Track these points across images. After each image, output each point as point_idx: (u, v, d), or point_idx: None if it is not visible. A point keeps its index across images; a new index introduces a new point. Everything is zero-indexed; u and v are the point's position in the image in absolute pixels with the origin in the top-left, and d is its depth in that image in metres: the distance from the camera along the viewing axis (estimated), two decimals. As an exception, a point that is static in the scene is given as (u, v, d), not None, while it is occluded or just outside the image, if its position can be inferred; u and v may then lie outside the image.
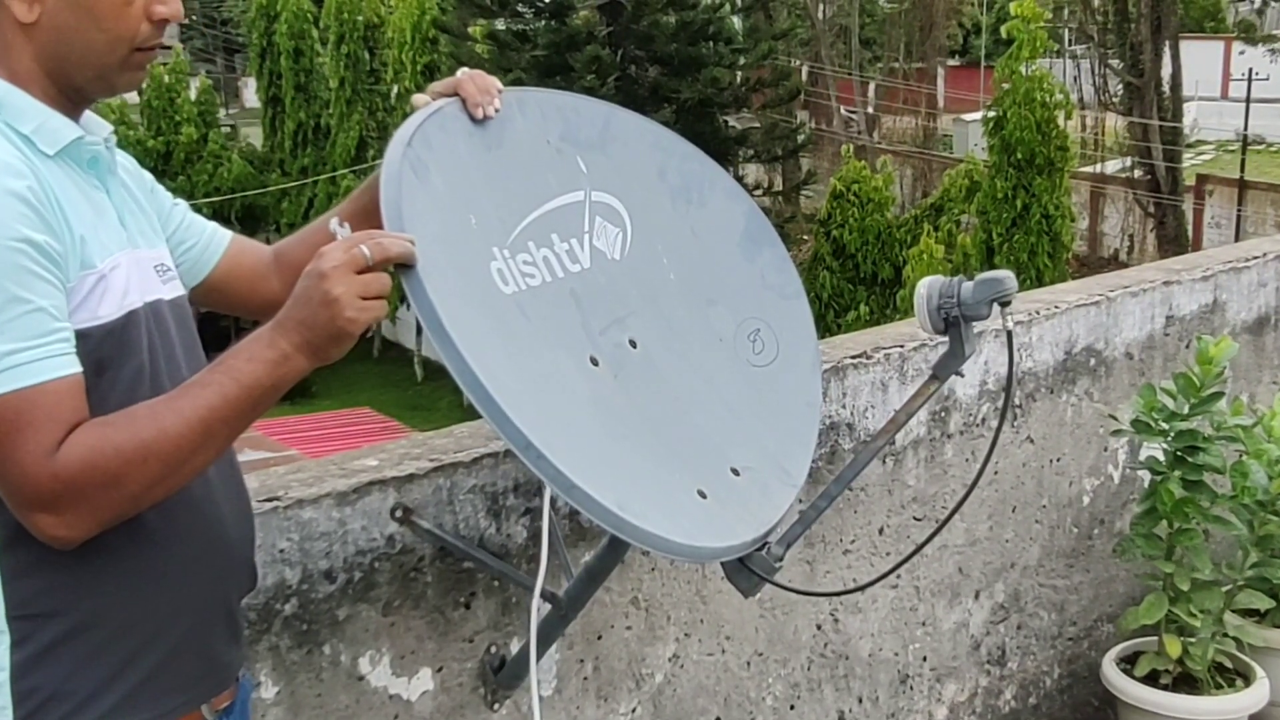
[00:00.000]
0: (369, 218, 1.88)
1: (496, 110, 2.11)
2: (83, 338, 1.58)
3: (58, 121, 1.65)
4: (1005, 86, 19.60)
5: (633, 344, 2.16)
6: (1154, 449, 3.62)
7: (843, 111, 36.91)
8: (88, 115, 1.77)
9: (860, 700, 3.30)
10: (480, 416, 1.79)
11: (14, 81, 1.64)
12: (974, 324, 2.27)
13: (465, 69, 2.17)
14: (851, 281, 22.53)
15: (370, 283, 1.64)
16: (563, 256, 2.12)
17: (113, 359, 1.63)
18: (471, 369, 1.76)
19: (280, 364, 1.61)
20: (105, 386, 1.61)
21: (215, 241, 2.03)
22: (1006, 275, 2.22)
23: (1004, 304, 2.21)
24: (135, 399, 1.63)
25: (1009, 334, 2.25)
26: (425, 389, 25.46)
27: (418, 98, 2.08)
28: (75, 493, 1.52)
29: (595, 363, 2.07)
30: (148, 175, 1.93)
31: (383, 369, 27.77)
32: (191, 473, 1.61)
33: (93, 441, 1.53)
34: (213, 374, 1.61)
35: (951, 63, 45.19)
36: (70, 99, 1.69)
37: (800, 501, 2.42)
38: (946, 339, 2.30)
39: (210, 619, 1.76)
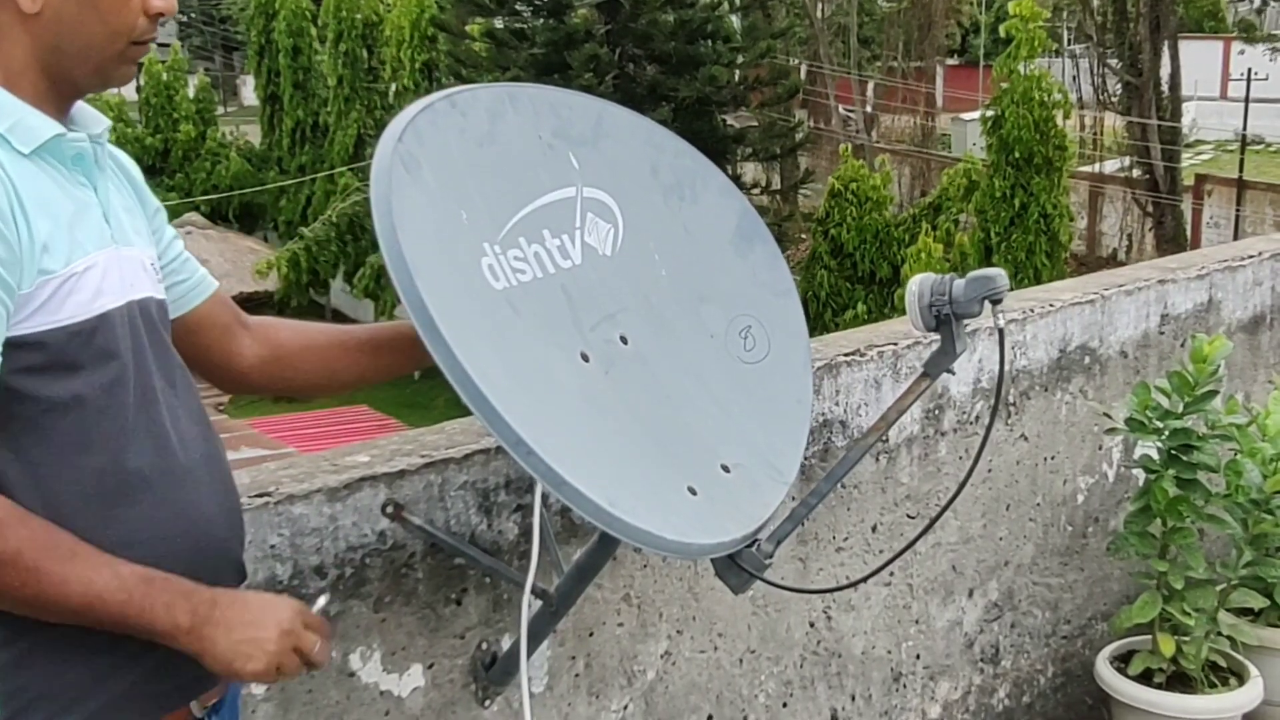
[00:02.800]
0: (397, 350, 2.02)
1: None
2: (40, 344, 1.56)
3: (36, 120, 1.63)
4: (1004, 86, 19.61)
5: (624, 340, 2.16)
6: (1148, 447, 3.62)
7: (841, 110, 36.90)
8: (84, 109, 1.75)
9: (853, 698, 3.30)
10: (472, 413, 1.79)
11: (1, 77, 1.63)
12: (966, 321, 2.27)
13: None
14: (849, 280, 22.52)
15: (291, 665, 1.66)
16: (554, 252, 2.12)
17: (84, 362, 1.61)
18: (462, 365, 1.76)
19: (176, 630, 1.61)
20: (81, 388, 1.60)
21: (203, 285, 2.00)
22: (998, 273, 2.22)
23: (995, 302, 2.21)
24: (118, 402, 1.62)
25: (1000, 332, 2.25)
26: (423, 386, 25.40)
27: None
28: None
29: (586, 359, 2.07)
30: (155, 200, 1.92)
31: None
32: (32, 612, 1.58)
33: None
34: (132, 585, 1.59)
35: (950, 62, 45.19)
36: (62, 93, 1.68)
37: (792, 499, 2.42)
38: (939, 337, 2.30)
39: None
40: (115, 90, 34.50)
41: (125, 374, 1.65)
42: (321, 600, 1.72)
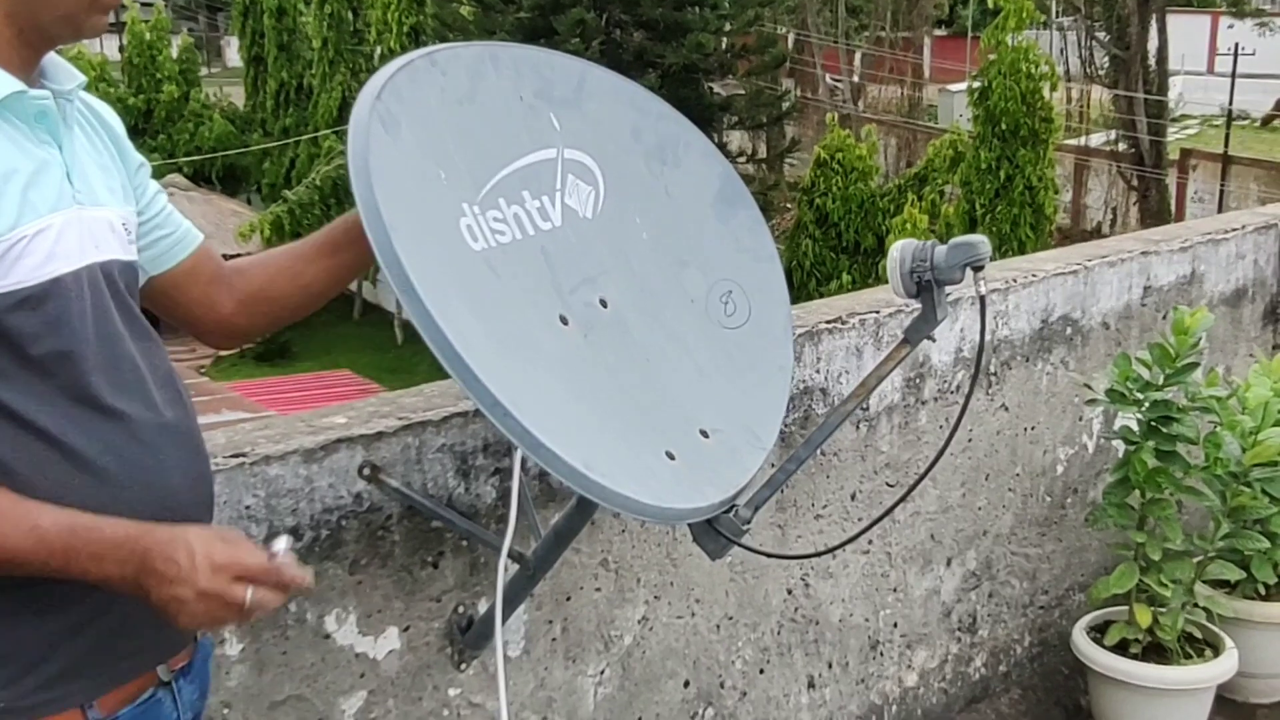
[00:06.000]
0: (354, 242, 1.93)
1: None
2: None
3: None
4: (991, 57, 19.60)
5: (603, 303, 2.15)
6: (1128, 419, 3.62)
7: (828, 80, 36.77)
8: (58, 64, 1.71)
9: (830, 665, 3.30)
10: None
11: None
12: (947, 288, 2.26)
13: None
14: (834, 250, 22.51)
15: (226, 617, 1.60)
16: (534, 214, 2.10)
17: (36, 329, 1.57)
18: (439, 326, 1.75)
19: (109, 581, 1.57)
20: (36, 356, 1.56)
21: (189, 238, 1.97)
22: (980, 240, 2.20)
23: (977, 268, 2.19)
24: (81, 369, 1.59)
25: (981, 299, 2.23)
26: (405, 352, 25.38)
27: None
28: None
29: (565, 322, 2.06)
30: (139, 156, 1.88)
31: (362, 331, 27.67)
32: None
33: None
34: (57, 533, 1.54)
35: (938, 33, 45.10)
36: (31, 44, 1.63)
37: (772, 465, 2.42)
38: (920, 304, 2.29)
39: None
40: (98, 49, 34.12)
41: (80, 341, 1.61)
42: (281, 544, 1.66)
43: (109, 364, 1.63)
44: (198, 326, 2.03)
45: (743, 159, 23.94)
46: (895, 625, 3.47)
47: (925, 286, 2.23)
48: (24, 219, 1.56)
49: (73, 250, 1.62)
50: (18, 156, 1.58)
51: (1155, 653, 3.62)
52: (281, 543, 1.65)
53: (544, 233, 2.10)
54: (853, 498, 3.26)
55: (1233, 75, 30.64)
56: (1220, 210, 25.73)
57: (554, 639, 2.68)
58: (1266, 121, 36.75)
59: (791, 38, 35.71)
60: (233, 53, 41.50)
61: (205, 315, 2.02)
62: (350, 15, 29.75)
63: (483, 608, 2.49)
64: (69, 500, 1.56)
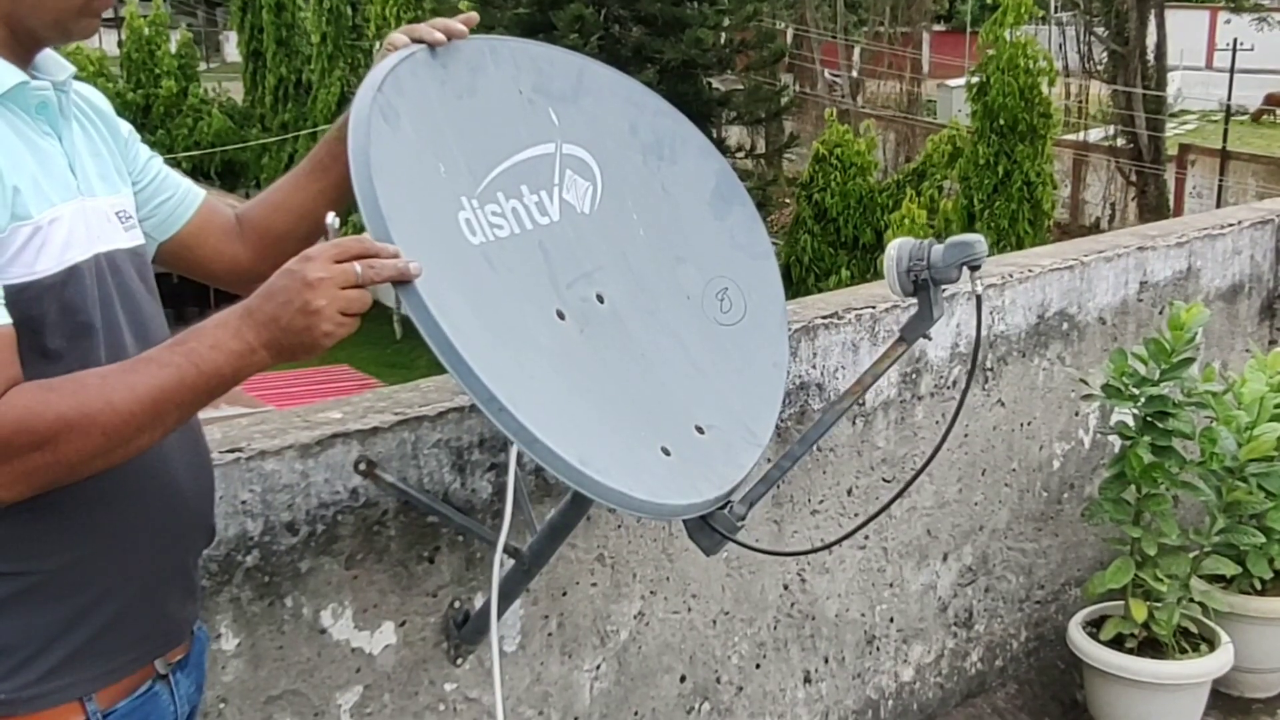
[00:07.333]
0: (339, 160, 1.87)
1: (443, 40, 2.06)
2: (17, 293, 1.52)
3: None
4: (990, 52, 19.62)
5: (600, 299, 2.15)
6: (1124, 414, 3.62)
7: (827, 75, 36.78)
8: (47, 55, 1.71)
9: (826, 660, 3.31)
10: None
11: None
12: (943, 287, 2.26)
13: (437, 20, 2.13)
14: (833, 245, 22.53)
15: (354, 300, 1.61)
16: (532, 208, 2.11)
17: (55, 316, 1.57)
18: (435, 320, 1.75)
19: (244, 357, 1.58)
20: (52, 344, 1.57)
21: (190, 197, 1.98)
22: (977, 239, 2.21)
23: (973, 268, 2.20)
24: (90, 355, 1.59)
25: (978, 298, 2.24)
26: (404, 347, 25.39)
27: (395, 36, 2.06)
28: (7, 453, 1.47)
29: (562, 317, 2.06)
30: (125, 124, 1.88)
31: (361, 326, 27.53)
32: (136, 449, 1.57)
33: (32, 404, 1.48)
34: (172, 353, 1.56)
35: (937, 28, 45.12)
36: (23, 43, 1.64)
37: (768, 461, 2.42)
38: (917, 301, 2.29)
39: (162, 578, 1.73)
40: (96, 44, 34.07)
41: (92, 330, 1.61)
42: (330, 217, 1.69)
43: (114, 352, 1.64)
44: (224, 281, 2.04)
45: (741, 154, 23.96)
46: (891, 620, 3.47)
47: (922, 285, 2.23)
48: (40, 207, 1.57)
49: (82, 240, 1.63)
50: (25, 148, 1.59)
51: (1151, 647, 3.63)
52: (329, 216, 1.70)
53: (542, 228, 2.10)
54: (849, 493, 3.26)
55: (1231, 70, 30.61)
56: (1219, 205, 25.76)
57: (550, 634, 2.68)
58: (1257, 116, 36.77)
59: (790, 33, 35.71)
60: (231, 48, 41.51)
61: (228, 269, 2.02)
62: (349, 10, 29.75)
63: (479, 603, 2.50)
64: (76, 488, 1.57)
